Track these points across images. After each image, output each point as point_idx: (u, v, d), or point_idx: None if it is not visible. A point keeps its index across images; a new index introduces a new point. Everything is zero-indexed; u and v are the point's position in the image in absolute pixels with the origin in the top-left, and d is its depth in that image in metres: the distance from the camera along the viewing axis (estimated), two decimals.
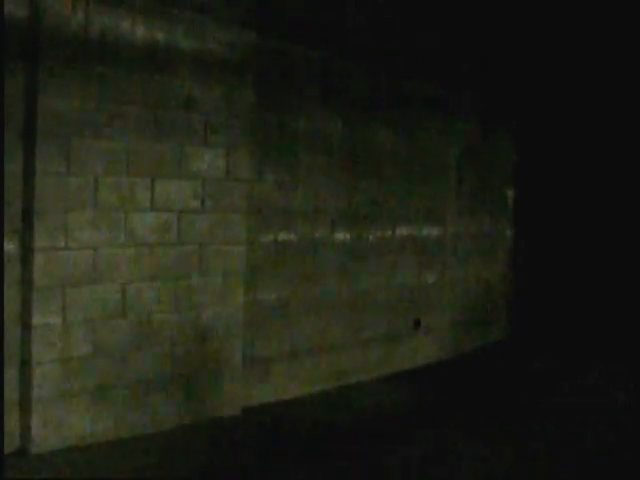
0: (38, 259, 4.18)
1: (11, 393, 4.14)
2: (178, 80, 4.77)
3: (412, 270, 7.01)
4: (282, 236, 5.68)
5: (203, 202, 4.96)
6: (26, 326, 4.20)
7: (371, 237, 6.51)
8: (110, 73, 4.42)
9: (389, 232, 6.71)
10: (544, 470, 4.54)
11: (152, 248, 4.71)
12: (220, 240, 5.07)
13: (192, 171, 4.89)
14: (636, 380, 6.78)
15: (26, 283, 4.19)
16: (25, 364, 4.21)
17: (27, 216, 4.17)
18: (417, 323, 7.09)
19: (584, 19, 7.58)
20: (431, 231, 7.26)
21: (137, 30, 4.54)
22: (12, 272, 4.14)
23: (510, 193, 8.62)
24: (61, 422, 4.32)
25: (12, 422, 4.16)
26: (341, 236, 6.19)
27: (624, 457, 4.78)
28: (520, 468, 4.55)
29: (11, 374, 4.15)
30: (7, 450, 4.09)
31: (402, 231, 6.87)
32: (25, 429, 4.23)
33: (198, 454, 4.50)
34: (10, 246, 4.13)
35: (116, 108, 4.46)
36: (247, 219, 5.28)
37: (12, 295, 4.15)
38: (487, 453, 4.74)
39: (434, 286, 7.33)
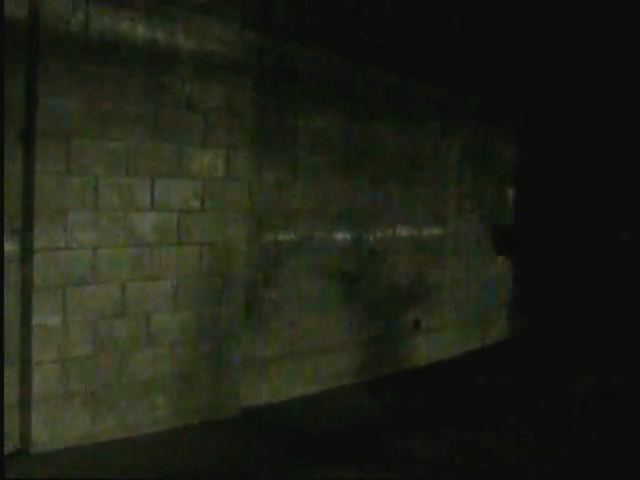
0: (38, 259, 4.18)
1: (11, 393, 4.14)
2: (178, 80, 4.77)
3: (412, 270, 7.01)
4: (282, 236, 5.67)
5: (203, 202, 4.96)
6: (26, 326, 4.20)
7: (371, 237, 6.50)
8: (110, 73, 4.42)
9: (389, 232, 6.71)
10: None
11: (152, 248, 4.71)
12: (220, 240, 5.07)
13: (192, 171, 4.88)
14: None
15: (26, 283, 4.19)
16: (25, 364, 4.21)
17: (27, 216, 4.17)
18: (417, 323, 7.10)
19: (585, 19, 7.57)
20: (431, 231, 7.26)
21: (137, 30, 4.54)
22: (12, 272, 4.14)
23: (510, 193, 8.62)
24: (61, 422, 4.32)
25: (12, 422, 4.16)
26: (341, 236, 6.19)
27: None
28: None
29: (11, 374, 4.15)
30: (7, 450, 4.10)
31: (402, 231, 6.87)
32: (25, 429, 4.22)
33: (198, 454, 4.50)
34: (10, 246, 4.13)
35: (116, 108, 4.46)
36: (247, 219, 5.28)
37: (12, 295, 4.15)
38: None
39: (434, 286, 7.33)
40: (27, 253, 4.18)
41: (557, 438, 5.16)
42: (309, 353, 5.93)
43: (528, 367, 7.29)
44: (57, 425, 4.30)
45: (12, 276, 4.14)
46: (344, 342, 6.25)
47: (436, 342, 7.35)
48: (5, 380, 4.06)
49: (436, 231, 7.33)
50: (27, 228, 4.17)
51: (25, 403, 4.22)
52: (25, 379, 4.21)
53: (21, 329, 4.20)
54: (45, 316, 4.22)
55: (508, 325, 8.67)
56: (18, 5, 4.07)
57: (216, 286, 5.05)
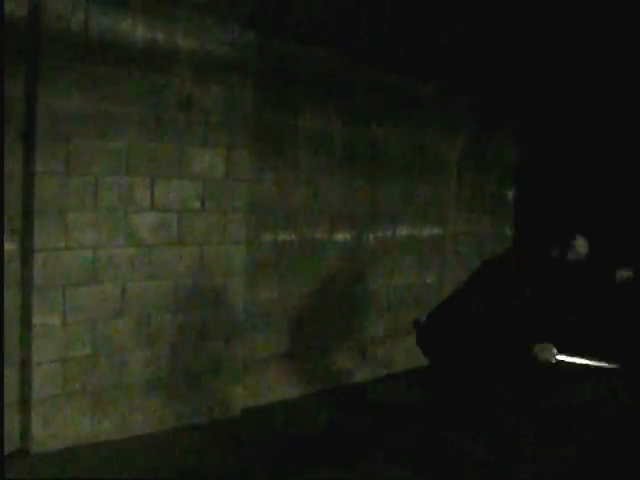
0: (38, 259, 4.18)
1: (11, 393, 4.14)
2: (178, 80, 4.77)
3: (412, 270, 7.01)
4: (282, 236, 5.67)
5: (203, 202, 4.96)
6: (26, 326, 4.20)
7: (371, 237, 6.50)
8: (110, 73, 4.42)
9: (389, 232, 6.71)
10: None
11: (152, 248, 4.71)
12: (220, 240, 5.06)
13: (192, 171, 4.88)
14: None
15: (26, 283, 4.19)
16: (25, 364, 4.21)
17: (27, 216, 4.17)
18: (417, 323, 7.07)
19: (585, 19, 7.57)
20: (431, 231, 7.26)
21: (137, 30, 4.54)
22: (12, 272, 4.14)
23: (510, 193, 8.62)
24: (61, 422, 4.32)
25: (12, 422, 4.16)
26: (341, 236, 6.19)
27: None
28: None
29: (11, 374, 4.15)
30: (7, 450, 4.09)
31: (402, 231, 6.87)
32: (25, 429, 4.23)
33: (197, 455, 4.50)
34: (10, 246, 4.13)
35: (116, 108, 4.46)
36: (247, 219, 5.28)
37: (12, 295, 4.15)
38: None
39: (434, 286, 7.32)
40: (27, 253, 4.18)
41: (557, 438, 5.15)
42: (310, 352, 5.93)
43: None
44: (57, 425, 4.30)
45: (12, 276, 4.14)
46: (344, 342, 6.25)
47: None
48: (5, 380, 4.06)
49: (436, 231, 7.33)
50: (27, 228, 4.17)
51: (25, 403, 4.22)
52: (25, 379, 4.21)
53: (21, 329, 4.20)
54: (45, 316, 4.22)
55: None
56: (18, 5, 4.07)
57: (216, 286, 5.05)
